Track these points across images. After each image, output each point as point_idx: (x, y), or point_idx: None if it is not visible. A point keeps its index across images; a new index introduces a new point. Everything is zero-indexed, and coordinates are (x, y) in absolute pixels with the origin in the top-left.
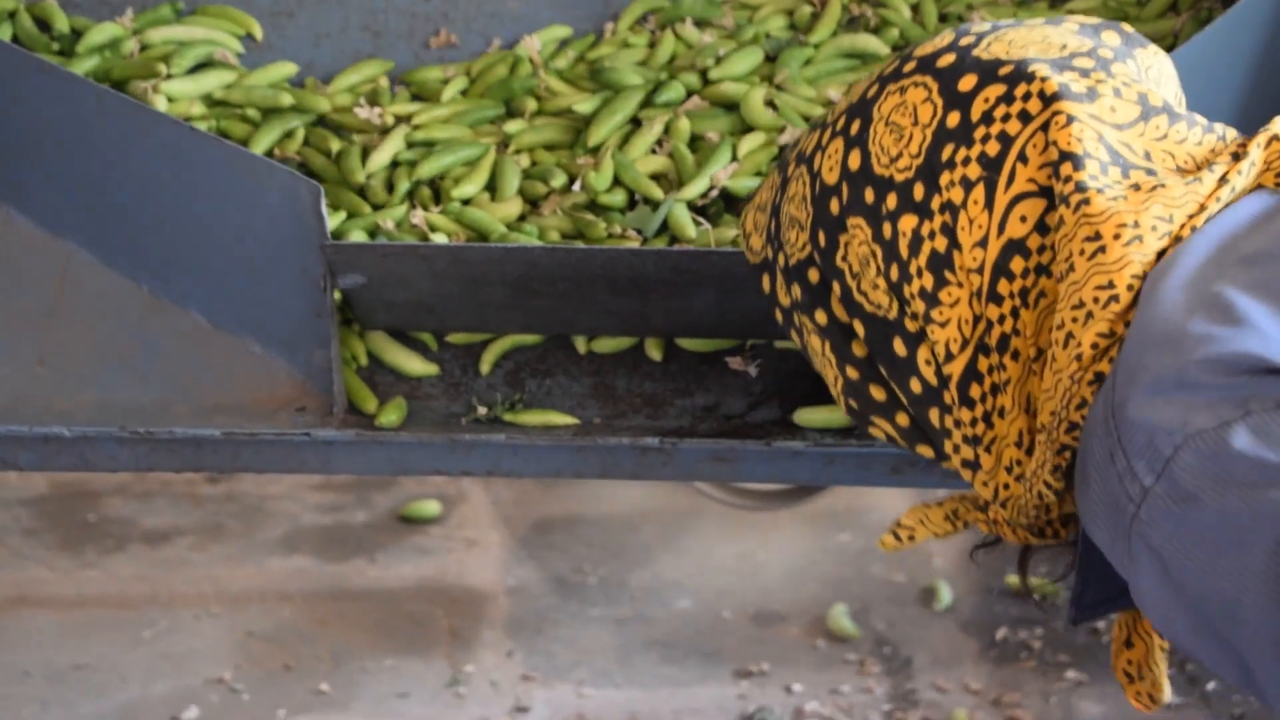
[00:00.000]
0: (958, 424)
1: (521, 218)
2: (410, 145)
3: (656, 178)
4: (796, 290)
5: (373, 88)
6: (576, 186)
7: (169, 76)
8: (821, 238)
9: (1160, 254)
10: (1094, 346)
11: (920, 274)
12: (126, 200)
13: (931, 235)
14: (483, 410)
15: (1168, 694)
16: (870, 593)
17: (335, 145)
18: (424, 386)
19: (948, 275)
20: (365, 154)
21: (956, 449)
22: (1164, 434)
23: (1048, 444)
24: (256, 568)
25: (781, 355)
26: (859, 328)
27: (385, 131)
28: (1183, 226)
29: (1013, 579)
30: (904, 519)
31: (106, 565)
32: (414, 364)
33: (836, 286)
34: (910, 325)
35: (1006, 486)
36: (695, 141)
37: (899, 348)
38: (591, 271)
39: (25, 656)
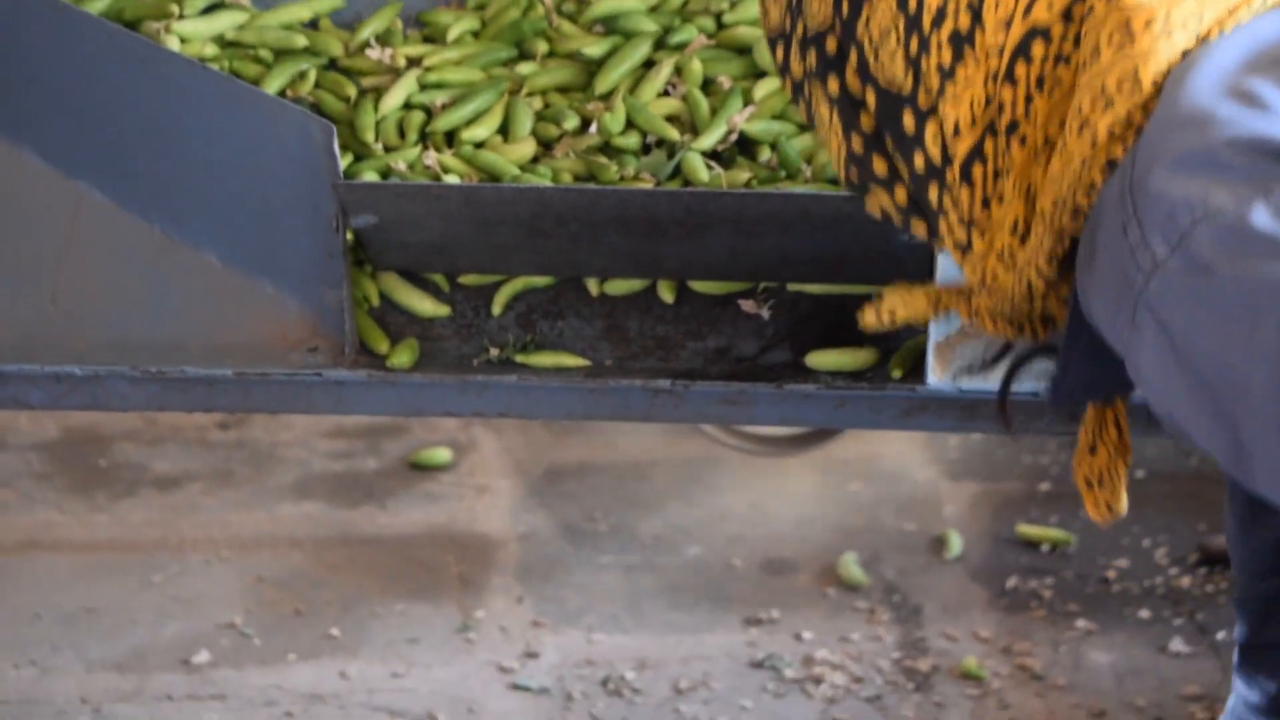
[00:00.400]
0: (955, 204)
1: (534, 160)
2: (423, 88)
3: (669, 120)
4: (811, 58)
5: (386, 28)
6: (592, 129)
7: (181, 17)
8: (845, 6)
9: (1186, 53)
10: (1110, 132)
11: (940, 49)
12: (138, 140)
13: (956, 12)
14: (494, 351)
15: (1124, 505)
16: (880, 541)
17: (349, 90)
18: (436, 327)
19: (967, 52)
20: (377, 97)
21: (950, 230)
22: (1184, 208)
23: (1046, 231)
24: (267, 513)
25: (794, 298)
26: (870, 98)
27: (397, 73)
28: (1211, 29)
29: (1023, 529)
30: (885, 295)
31: (117, 510)
32: (426, 305)
33: (854, 56)
34: (922, 100)
35: (995, 275)
36: (707, 85)
37: (908, 122)
38: (604, 212)
39: (35, 599)
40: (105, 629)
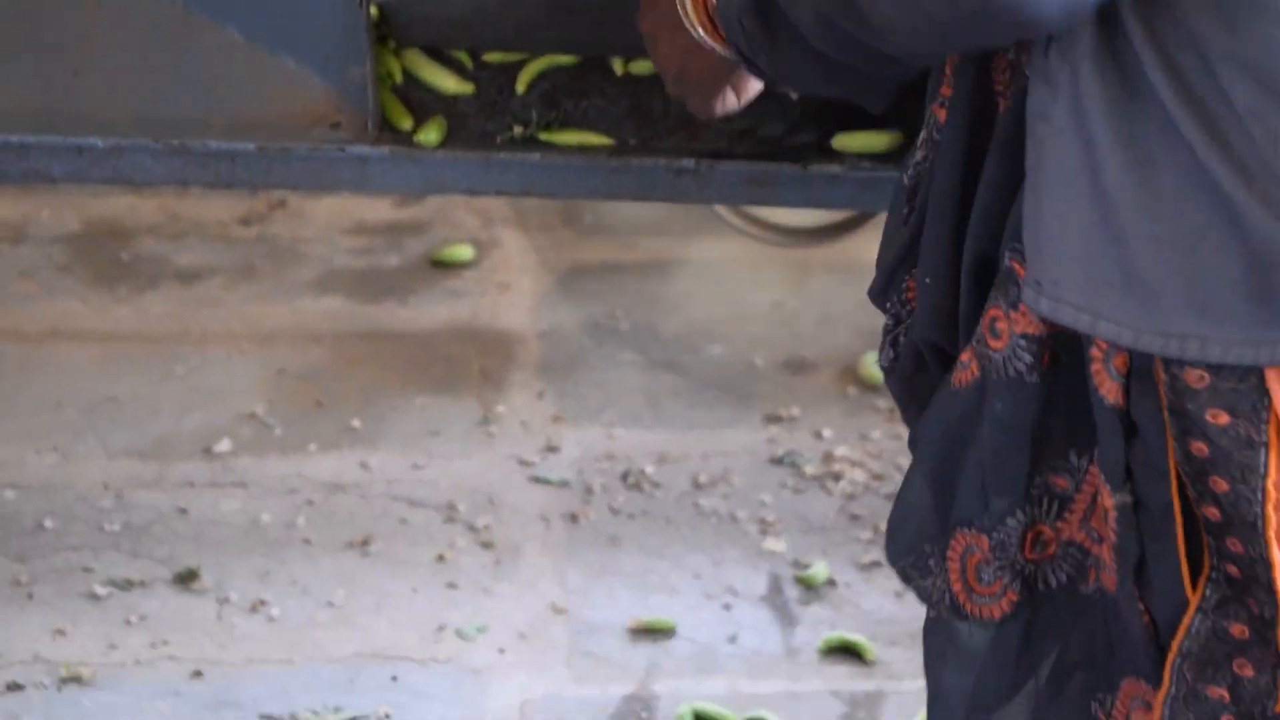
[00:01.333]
0: None
1: None
2: None
3: None
4: None
5: None
6: None
7: None
8: None
9: None
10: None
11: None
12: None
13: None
14: (518, 129)
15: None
16: None
17: None
18: (459, 105)
19: None
20: None
21: None
22: None
23: None
24: (288, 308)
25: None
26: None
27: None
28: None
29: None
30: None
31: (138, 302)
32: (449, 82)
33: None
34: None
35: None
36: None
37: None
38: None
39: (58, 388)
40: (127, 418)
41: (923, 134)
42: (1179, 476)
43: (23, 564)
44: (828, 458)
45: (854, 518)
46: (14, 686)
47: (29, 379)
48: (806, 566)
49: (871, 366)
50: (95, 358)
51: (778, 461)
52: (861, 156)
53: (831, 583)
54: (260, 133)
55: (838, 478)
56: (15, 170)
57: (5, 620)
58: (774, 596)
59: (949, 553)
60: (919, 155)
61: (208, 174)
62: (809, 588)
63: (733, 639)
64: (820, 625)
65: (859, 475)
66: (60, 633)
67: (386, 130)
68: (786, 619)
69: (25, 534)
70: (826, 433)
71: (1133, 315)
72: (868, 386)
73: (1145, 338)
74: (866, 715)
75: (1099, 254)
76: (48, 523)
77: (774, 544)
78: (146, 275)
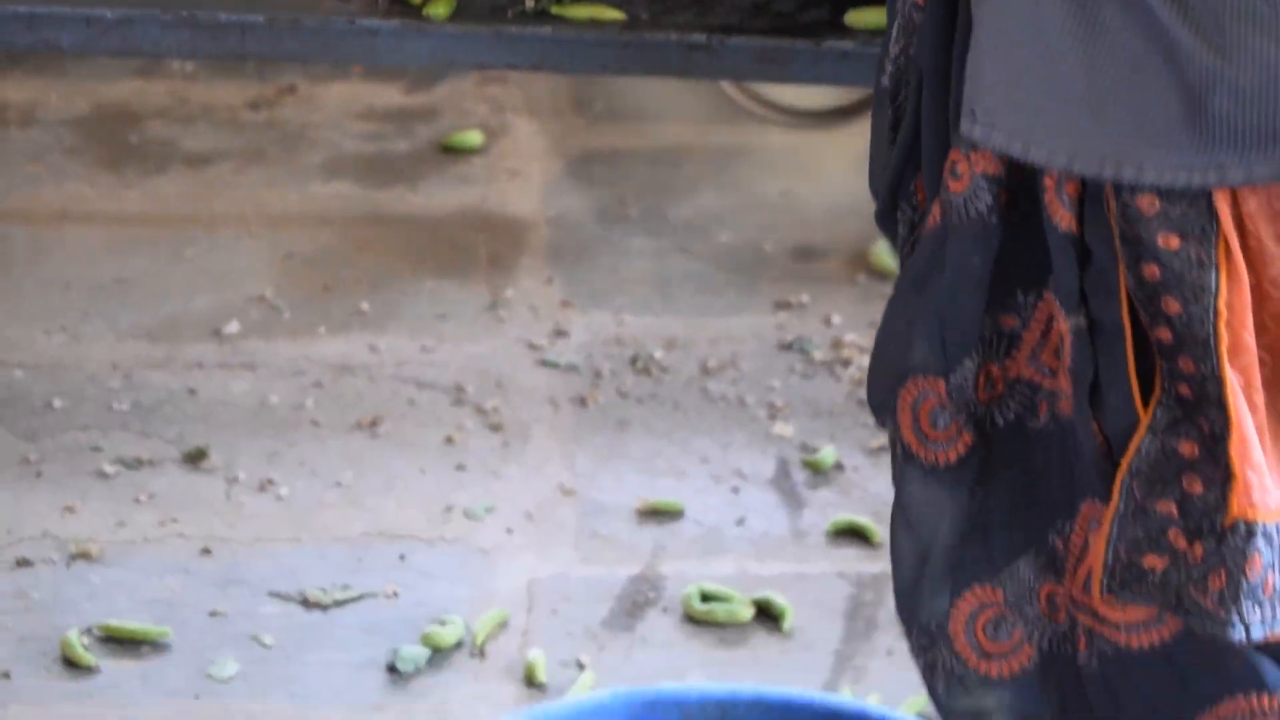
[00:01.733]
0: None
1: None
2: None
3: None
4: None
5: None
6: None
7: None
8: None
9: None
10: None
11: None
12: None
13: None
14: (530, 3)
15: None
16: None
17: None
18: None
19: None
20: None
21: None
22: None
23: None
24: (297, 192)
25: None
26: None
27: None
28: None
29: None
30: None
31: (147, 185)
32: None
33: None
34: None
35: None
36: None
37: None
38: None
39: (66, 269)
40: (136, 299)
41: (896, 24)
42: (1130, 301)
43: (32, 443)
44: (836, 343)
45: (862, 403)
46: (23, 562)
47: (38, 261)
48: (814, 450)
49: (881, 254)
50: (104, 240)
51: (786, 347)
52: (874, 33)
53: (839, 467)
54: (270, 5)
55: (846, 363)
56: (24, 41)
57: (15, 497)
58: (781, 480)
59: (898, 402)
60: (896, 49)
61: (217, 46)
62: (816, 471)
63: (740, 521)
64: (827, 508)
65: (867, 361)
66: (69, 510)
67: (396, 3)
68: (794, 502)
69: (34, 413)
70: (835, 319)
71: (1068, 140)
72: (877, 273)
73: (1080, 161)
74: (873, 596)
75: (1035, 81)
76: (57, 402)
77: (782, 428)
78: (155, 159)
